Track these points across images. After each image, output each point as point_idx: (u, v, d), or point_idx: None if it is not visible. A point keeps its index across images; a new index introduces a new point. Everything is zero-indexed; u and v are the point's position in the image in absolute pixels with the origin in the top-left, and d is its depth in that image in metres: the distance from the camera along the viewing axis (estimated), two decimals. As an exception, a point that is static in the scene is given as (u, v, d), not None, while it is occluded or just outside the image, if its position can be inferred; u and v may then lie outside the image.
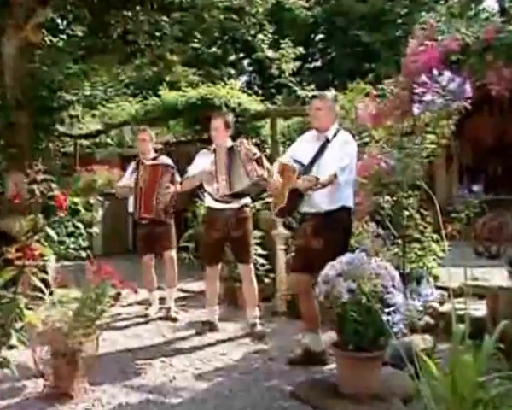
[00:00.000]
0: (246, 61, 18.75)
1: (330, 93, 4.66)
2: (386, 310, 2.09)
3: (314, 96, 4.16)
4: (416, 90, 2.54)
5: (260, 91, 13.16)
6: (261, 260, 5.90)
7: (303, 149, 4.11)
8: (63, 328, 3.29)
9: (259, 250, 5.94)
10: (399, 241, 4.68)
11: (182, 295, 6.41)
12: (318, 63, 19.13)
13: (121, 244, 9.81)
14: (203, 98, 8.57)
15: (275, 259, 5.71)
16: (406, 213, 4.71)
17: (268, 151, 8.42)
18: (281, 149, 7.33)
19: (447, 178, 9.42)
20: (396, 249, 4.67)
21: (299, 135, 4.50)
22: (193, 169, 4.88)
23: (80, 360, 3.34)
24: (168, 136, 10.44)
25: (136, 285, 4.38)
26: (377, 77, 11.84)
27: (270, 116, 8.40)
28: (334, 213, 3.92)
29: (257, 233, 5.99)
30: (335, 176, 3.74)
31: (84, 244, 6.24)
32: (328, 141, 4.00)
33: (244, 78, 19.36)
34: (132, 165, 5.66)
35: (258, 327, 4.87)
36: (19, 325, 2.91)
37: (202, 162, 4.83)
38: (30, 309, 2.94)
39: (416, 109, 2.65)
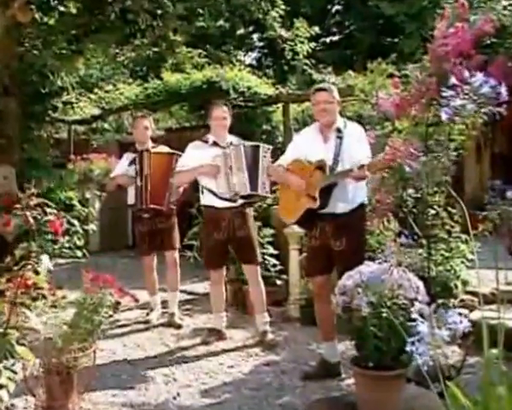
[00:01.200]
0: (255, 36, 18.57)
1: (329, 82, 4.63)
2: (410, 340, 2.04)
3: (318, 89, 4.11)
4: (445, 94, 2.48)
5: (271, 72, 13.05)
6: (273, 261, 5.87)
7: (312, 145, 4.07)
8: (57, 342, 3.28)
9: (271, 250, 5.91)
10: (424, 241, 4.62)
11: (186, 297, 6.42)
12: (335, 38, 18.91)
13: (120, 240, 9.82)
14: (209, 81, 8.51)
15: (287, 259, 5.67)
16: (432, 211, 4.64)
17: (280, 139, 8.38)
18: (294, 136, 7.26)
19: (477, 168, 9.30)
20: (420, 251, 4.61)
21: (313, 121, 4.42)
22: (188, 161, 4.81)
23: (75, 377, 3.32)
24: (170, 122, 10.41)
25: (137, 286, 4.36)
26: (400, 53, 11.70)
27: (283, 101, 8.34)
28: (357, 210, 4.00)
29: (268, 231, 5.96)
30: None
31: (80, 243, 6.22)
32: (340, 132, 4.01)
33: (253, 54, 19.23)
34: (129, 154, 5.54)
35: (269, 335, 4.84)
36: (10, 362, 2.85)
37: (199, 155, 4.77)
38: (22, 345, 2.90)
39: (444, 114, 2.60)
